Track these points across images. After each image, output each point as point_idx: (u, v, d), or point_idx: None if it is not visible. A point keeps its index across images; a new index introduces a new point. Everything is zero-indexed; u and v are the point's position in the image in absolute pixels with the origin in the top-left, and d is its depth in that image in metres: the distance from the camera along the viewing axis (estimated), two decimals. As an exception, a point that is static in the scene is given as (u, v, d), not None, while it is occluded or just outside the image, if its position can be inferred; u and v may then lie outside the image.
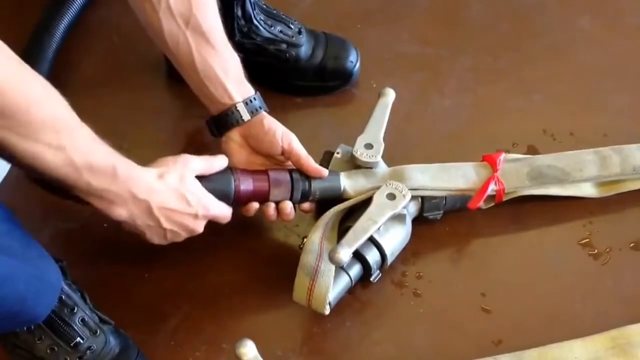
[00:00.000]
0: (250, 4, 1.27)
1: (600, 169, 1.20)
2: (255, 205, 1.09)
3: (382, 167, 1.16)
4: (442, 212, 1.17)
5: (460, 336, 1.10)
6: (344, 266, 1.08)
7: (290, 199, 1.10)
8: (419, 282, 1.15)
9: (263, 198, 1.09)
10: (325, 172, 1.11)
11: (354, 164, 1.16)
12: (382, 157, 1.15)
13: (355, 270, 1.10)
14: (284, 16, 1.32)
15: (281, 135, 1.10)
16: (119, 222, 0.98)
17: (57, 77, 1.28)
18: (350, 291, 1.12)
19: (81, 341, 1.01)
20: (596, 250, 1.18)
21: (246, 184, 1.07)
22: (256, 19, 1.28)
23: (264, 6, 1.31)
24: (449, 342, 1.09)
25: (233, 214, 1.07)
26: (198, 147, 1.27)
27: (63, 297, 1.00)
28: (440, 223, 1.18)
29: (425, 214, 1.17)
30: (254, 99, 1.10)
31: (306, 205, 1.13)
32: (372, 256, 1.10)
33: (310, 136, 1.20)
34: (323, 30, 1.36)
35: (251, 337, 0.97)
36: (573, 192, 1.21)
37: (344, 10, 1.48)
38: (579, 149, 1.23)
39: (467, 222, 1.20)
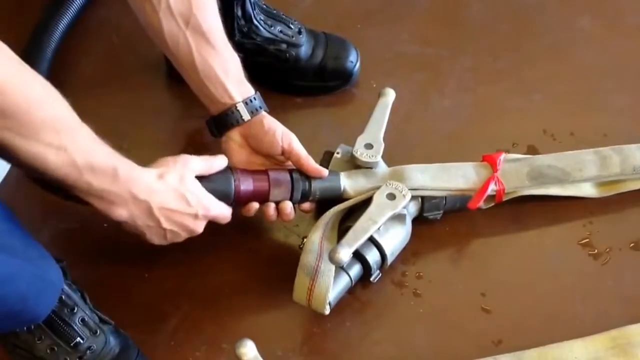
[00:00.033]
0: (250, 4, 1.26)
1: (600, 169, 1.20)
2: (255, 205, 1.09)
3: (382, 167, 1.16)
4: (442, 212, 1.17)
5: (460, 336, 1.10)
6: (344, 266, 1.08)
7: (290, 199, 1.10)
8: (419, 282, 1.15)
9: (263, 198, 1.09)
10: (325, 172, 1.11)
11: (354, 164, 1.16)
12: (382, 157, 1.15)
13: (355, 270, 1.10)
14: (284, 16, 1.32)
15: (281, 135, 1.10)
16: (119, 223, 0.98)
17: (57, 77, 1.28)
18: (350, 291, 1.12)
19: (81, 341, 1.01)
20: (596, 250, 1.18)
21: (246, 184, 1.07)
22: (256, 19, 1.28)
23: (264, 6, 1.31)
24: (449, 342, 1.09)
25: (233, 214, 1.07)
26: (198, 147, 1.26)
27: (63, 297, 1.00)
28: (440, 223, 1.18)
29: (425, 214, 1.17)
30: (254, 98, 1.10)
31: (306, 206, 1.13)
32: (372, 256, 1.10)
33: (310, 136, 1.20)
34: (323, 30, 1.36)
35: (251, 337, 0.97)
36: (573, 192, 1.21)
37: (344, 10, 1.48)
38: (579, 149, 1.23)
39: (467, 222, 1.20)
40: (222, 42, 1.08)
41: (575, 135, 1.30)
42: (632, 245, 1.18)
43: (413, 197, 1.12)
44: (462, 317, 1.12)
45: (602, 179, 1.21)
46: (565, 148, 1.24)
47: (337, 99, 1.35)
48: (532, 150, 1.27)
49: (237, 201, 1.07)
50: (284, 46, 1.30)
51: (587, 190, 1.22)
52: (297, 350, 1.09)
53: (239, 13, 1.26)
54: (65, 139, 0.88)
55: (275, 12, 1.32)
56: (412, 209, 1.16)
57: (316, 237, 1.08)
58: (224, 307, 1.13)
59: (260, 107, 1.11)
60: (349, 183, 1.13)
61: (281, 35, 1.30)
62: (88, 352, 1.01)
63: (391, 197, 1.10)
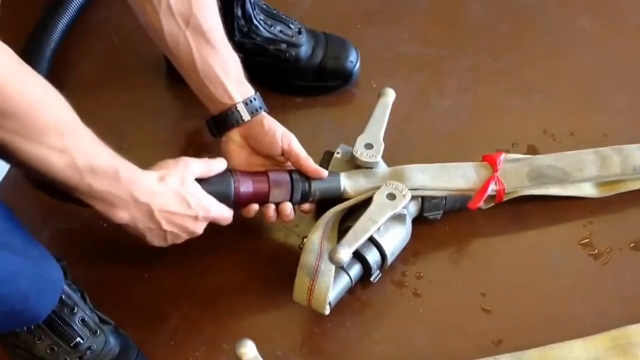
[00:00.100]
0: (250, 4, 1.26)
1: (600, 169, 1.20)
2: (255, 206, 1.09)
3: (382, 167, 1.16)
4: (442, 212, 1.17)
5: (460, 336, 1.10)
6: (344, 266, 1.08)
7: (290, 200, 1.10)
8: (419, 282, 1.15)
9: (263, 199, 1.09)
10: (324, 172, 1.11)
11: (354, 164, 1.16)
12: (382, 157, 1.15)
13: (355, 270, 1.10)
14: (284, 16, 1.32)
15: (281, 135, 1.10)
16: (120, 225, 0.98)
17: (56, 77, 1.28)
18: (350, 291, 1.12)
19: (81, 341, 1.01)
20: (596, 250, 1.18)
21: (246, 186, 1.07)
22: (256, 19, 1.28)
23: (264, 6, 1.31)
24: (449, 342, 1.09)
25: (233, 215, 1.07)
26: (198, 148, 1.27)
27: (63, 297, 1.00)
28: (440, 223, 1.18)
29: (425, 214, 1.17)
30: (254, 99, 1.10)
31: (306, 206, 1.13)
32: (372, 256, 1.10)
33: (310, 136, 1.20)
34: (323, 30, 1.36)
35: (251, 337, 0.97)
36: (573, 192, 1.21)
37: (344, 10, 1.48)
38: (579, 149, 1.23)
39: (467, 222, 1.20)
40: (222, 42, 1.08)
41: (575, 135, 1.30)
42: (632, 245, 1.18)
43: (413, 197, 1.12)
44: (462, 317, 1.12)
45: (602, 179, 1.21)
46: (565, 148, 1.24)
47: (337, 99, 1.35)
48: (532, 150, 1.27)
49: (237, 203, 1.07)
50: (284, 46, 1.30)
51: (587, 190, 1.22)
52: (297, 350, 1.09)
53: (239, 13, 1.26)
54: (68, 141, 0.88)
55: (275, 12, 1.32)
56: (412, 209, 1.16)
57: (316, 237, 1.08)
58: (224, 307, 1.13)
59: (260, 108, 1.11)
60: (349, 183, 1.13)
61: (281, 35, 1.30)
62: (88, 352, 1.01)
63: (391, 197, 1.10)
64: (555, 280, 1.15)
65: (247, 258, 1.17)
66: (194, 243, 1.06)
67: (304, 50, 1.32)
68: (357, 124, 1.19)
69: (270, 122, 1.11)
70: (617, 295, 1.13)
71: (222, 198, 1.05)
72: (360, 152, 1.15)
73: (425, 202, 1.15)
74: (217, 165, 1.06)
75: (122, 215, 0.96)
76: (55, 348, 1.00)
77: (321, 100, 1.35)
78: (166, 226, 1.00)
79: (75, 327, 1.01)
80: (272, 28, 1.30)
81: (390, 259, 1.11)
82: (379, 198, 1.09)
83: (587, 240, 1.19)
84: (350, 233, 1.05)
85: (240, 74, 1.10)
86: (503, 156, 1.19)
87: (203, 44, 1.06)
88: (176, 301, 1.13)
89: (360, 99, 1.35)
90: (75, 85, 1.36)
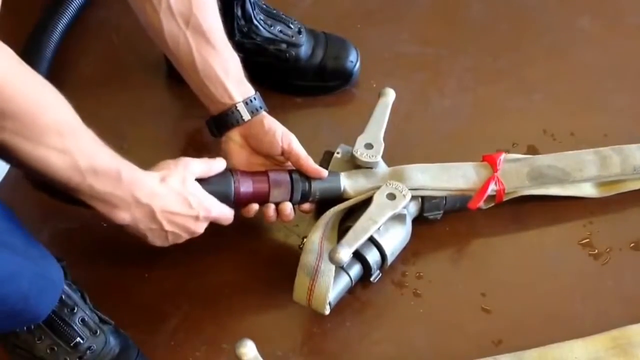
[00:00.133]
0: (250, 4, 1.26)
1: (600, 169, 1.20)
2: (255, 206, 1.09)
3: (382, 167, 1.16)
4: (442, 212, 1.17)
5: (460, 336, 1.10)
6: (344, 266, 1.08)
7: (290, 200, 1.10)
8: (419, 282, 1.15)
9: (263, 199, 1.09)
10: (324, 172, 1.11)
11: (354, 164, 1.16)
12: (382, 157, 1.15)
13: (355, 270, 1.10)
14: (283, 16, 1.32)
15: (281, 135, 1.10)
16: (121, 225, 0.98)
17: (56, 77, 1.28)
18: (350, 291, 1.12)
19: (81, 341, 1.01)
20: (596, 250, 1.18)
21: (246, 186, 1.07)
22: (256, 19, 1.28)
23: (264, 6, 1.31)
24: (449, 342, 1.09)
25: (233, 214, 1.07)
26: (198, 147, 1.27)
27: (63, 297, 1.00)
28: (440, 223, 1.18)
29: (425, 214, 1.17)
30: (254, 98, 1.10)
31: (306, 206, 1.13)
32: (372, 256, 1.10)
33: (310, 136, 1.20)
34: (323, 30, 1.36)
35: (251, 337, 0.97)
36: (573, 192, 1.21)
37: (344, 10, 1.48)
38: (579, 149, 1.23)
39: (467, 222, 1.20)
40: (222, 42, 1.08)
41: (575, 135, 1.30)
42: (632, 245, 1.18)
43: (413, 197, 1.12)
44: (462, 317, 1.12)
45: (603, 179, 1.21)
46: (565, 148, 1.24)
47: (337, 99, 1.35)
48: (532, 150, 1.27)
49: (237, 202, 1.07)
50: (283, 46, 1.30)
51: (587, 190, 1.22)
52: (297, 350, 1.09)
53: (239, 13, 1.26)
54: (69, 142, 0.88)
55: (275, 12, 1.32)
56: (412, 209, 1.16)
57: (316, 237, 1.08)
58: (224, 307, 1.13)
59: (261, 107, 1.11)
60: (349, 183, 1.13)
61: (281, 35, 1.30)
62: (88, 352, 1.01)
63: (391, 197, 1.10)
64: (555, 280, 1.15)
65: (247, 258, 1.17)
66: (194, 243, 1.06)
67: (304, 50, 1.31)
68: (357, 124, 1.19)
69: (270, 122, 1.11)
70: (617, 295, 1.13)
71: (222, 198, 1.05)
72: (360, 152, 1.15)
73: (425, 202, 1.15)
74: (217, 165, 1.06)
75: (124, 216, 0.96)
76: (55, 348, 1.00)
77: (321, 100, 1.35)
78: (167, 226, 1.00)
79: (75, 327, 1.01)
80: (272, 28, 1.30)
81: (390, 259, 1.11)
82: (379, 198, 1.09)
83: (587, 240, 1.19)
84: (350, 233, 1.05)
85: (241, 73, 1.10)
86: (503, 156, 1.19)
87: (203, 44, 1.06)
88: (176, 301, 1.13)
89: (360, 99, 1.35)
90: (75, 85, 1.36)
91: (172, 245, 1.04)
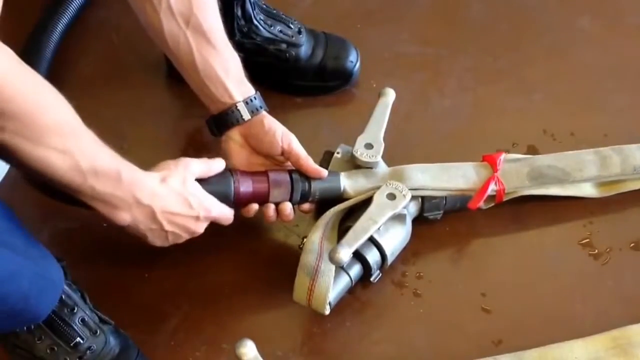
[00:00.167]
0: (250, 4, 1.26)
1: (600, 169, 1.20)
2: (255, 206, 1.09)
3: (382, 167, 1.16)
4: (442, 212, 1.17)
5: (460, 336, 1.10)
6: (344, 266, 1.08)
7: (290, 200, 1.10)
8: (419, 282, 1.15)
9: (263, 199, 1.09)
10: (324, 172, 1.11)
11: (354, 164, 1.16)
12: (382, 157, 1.15)
13: (355, 270, 1.10)
14: (283, 16, 1.32)
15: (281, 135, 1.10)
16: (122, 226, 0.98)
17: (56, 77, 1.28)
18: (350, 291, 1.12)
19: (81, 341, 1.01)
20: (596, 250, 1.18)
21: (246, 186, 1.07)
22: (256, 19, 1.28)
23: (264, 6, 1.31)
24: (449, 342, 1.09)
25: (234, 214, 1.07)
26: (198, 147, 1.27)
27: (63, 297, 1.00)
28: (440, 223, 1.18)
29: (425, 214, 1.17)
30: (254, 98, 1.10)
31: (306, 206, 1.13)
32: (372, 256, 1.10)
33: (310, 136, 1.20)
34: (323, 30, 1.35)
35: (251, 337, 0.97)
36: (573, 192, 1.21)
37: (344, 10, 1.48)
38: (579, 149, 1.23)
39: (467, 222, 1.20)
40: (222, 41, 1.08)
41: (575, 135, 1.30)
42: (632, 245, 1.18)
43: (413, 197, 1.12)
44: (462, 317, 1.12)
45: (603, 179, 1.21)
46: (565, 148, 1.24)
47: (337, 99, 1.35)
48: (532, 150, 1.27)
49: (236, 202, 1.07)
50: (283, 46, 1.30)
51: (587, 190, 1.22)
52: (297, 350, 1.09)
53: (239, 13, 1.26)
54: (70, 142, 0.88)
55: (275, 12, 1.32)
56: (412, 209, 1.16)
57: (316, 237, 1.08)
58: (224, 307, 1.13)
59: (261, 107, 1.11)
60: (349, 183, 1.13)
61: (281, 35, 1.30)
62: (88, 352, 1.01)
63: (391, 197, 1.10)
64: (555, 280, 1.15)
65: (247, 258, 1.17)
66: (194, 243, 1.06)
67: (304, 50, 1.31)
68: (357, 124, 1.19)
69: (270, 122, 1.11)
70: (617, 295, 1.13)
71: (222, 198, 1.05)
72: (360, 152, 1.15)
73: (425, 202, 1.15)
74: (216, 165, 1.06)
75: (124, 217, 0.96)
76: (55, 348, 1.00)
77: (321, 100, 1.35)
78: (168, 227, 1.00)
79: (75, 327, 1.01)
80: (272, 28, 1.30)
81: (390, 259, 1.11)
82: (379, 198, 1.09)
83: (587, 240, 1.19)
84: (350, 233, 1.05)
85: (241, 73, 1.10)
86: (503, 156, 1.19)
87: (203, 44, 1.06)
88: (176, 301, 1.13)
89: (360, 99, 1.35)
90: (75, 85, 1.36)
91: (172, 245, 1.04)
